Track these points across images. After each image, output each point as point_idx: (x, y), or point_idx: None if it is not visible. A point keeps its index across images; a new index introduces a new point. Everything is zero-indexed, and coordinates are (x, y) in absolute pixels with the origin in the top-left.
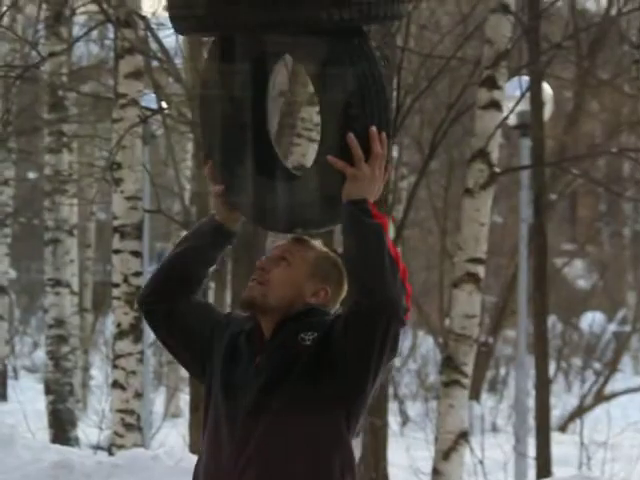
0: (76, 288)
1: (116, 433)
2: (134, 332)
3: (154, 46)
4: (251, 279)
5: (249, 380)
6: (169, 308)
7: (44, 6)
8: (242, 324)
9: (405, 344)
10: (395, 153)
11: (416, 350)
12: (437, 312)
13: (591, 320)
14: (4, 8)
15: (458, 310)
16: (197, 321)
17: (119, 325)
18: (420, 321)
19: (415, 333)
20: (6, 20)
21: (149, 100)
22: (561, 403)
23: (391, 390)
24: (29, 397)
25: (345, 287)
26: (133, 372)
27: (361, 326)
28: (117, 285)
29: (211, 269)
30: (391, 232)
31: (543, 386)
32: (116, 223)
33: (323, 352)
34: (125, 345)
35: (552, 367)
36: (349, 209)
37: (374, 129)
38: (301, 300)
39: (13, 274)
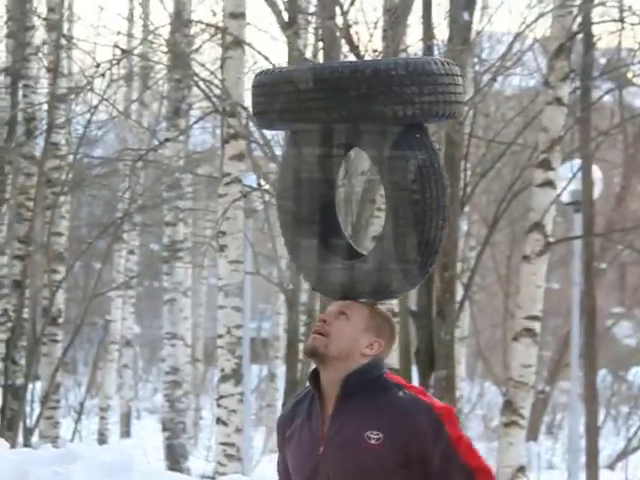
0: (189, 341)
1: (219, 463)
2: (235, 376)
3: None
4: (313, 330)
5: (312, 460)
6: None
7: (165, 102)
8: (300, 401)
9: (473, 392)
10: (465, 227)
11: (482, 398)
12: (501, 364)
13: (638, 373)
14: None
15: (517, 360)
16: None
17: (222, 370)
18: (486, 373)
19: (482, 383)
20: (134, 115)
21: (250, 179)
22: (610, 445)
23: None
24: (149, 434)
25: (396, 339)
26: (234, 411)
27: None
28: (221, 336)
29: None
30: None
31: (593, 430)
32: (221, 283)
33: (396, 460)
34: (227, 387)
35: (602, 414)
36: None
37: None
38: (357, 351)
39: (137, 329)
